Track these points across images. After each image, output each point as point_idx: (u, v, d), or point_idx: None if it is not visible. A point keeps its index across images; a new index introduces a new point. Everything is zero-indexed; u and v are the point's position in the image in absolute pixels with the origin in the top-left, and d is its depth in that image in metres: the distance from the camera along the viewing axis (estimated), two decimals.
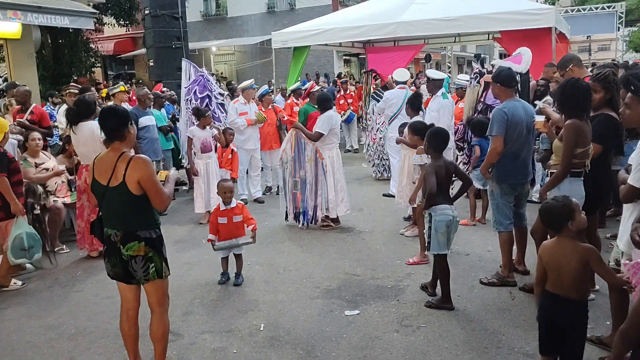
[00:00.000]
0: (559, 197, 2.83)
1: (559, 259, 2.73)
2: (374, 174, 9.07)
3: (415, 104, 6.07)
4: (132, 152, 3.08)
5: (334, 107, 6.52)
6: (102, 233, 3.10)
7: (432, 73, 7.50)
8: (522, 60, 5.40)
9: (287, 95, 10.82)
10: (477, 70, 7.06)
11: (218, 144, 7.00)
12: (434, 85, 7.09)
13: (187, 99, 7.55)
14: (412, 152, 5.87)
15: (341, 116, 10.65)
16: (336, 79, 17.10)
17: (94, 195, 3.13)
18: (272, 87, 10.63)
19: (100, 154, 3.13)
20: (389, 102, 7.54)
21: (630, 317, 2.48)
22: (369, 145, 9.24)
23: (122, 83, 8.67)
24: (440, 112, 6.77)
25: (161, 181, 3.19)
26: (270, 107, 8.20)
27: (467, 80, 7.68)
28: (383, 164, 8.85)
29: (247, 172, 7.85)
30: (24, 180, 4.96)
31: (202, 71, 7.83)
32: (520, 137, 4.21)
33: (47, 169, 5.75)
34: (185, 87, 7.67)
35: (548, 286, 2.79)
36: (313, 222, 6.38)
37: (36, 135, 5.75)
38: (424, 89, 8.67)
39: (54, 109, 9.40)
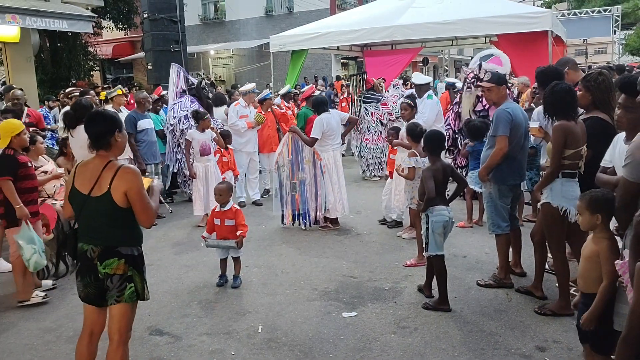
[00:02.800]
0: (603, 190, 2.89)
1: None
2: (365, 173, 9.18)
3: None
4: (121, 162, 2.90)
5: (329, 110, 6.52)
6: (75, 249, 2.84)
7: (417, 79, 7.87)
8: (502, 62, 5.46)
9: (287, 99, 10.82)
10: (472, 74, 7.09)
11: (222, 149, 7.01)
12: (420, 90, 7.59)
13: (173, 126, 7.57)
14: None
15: None
16: (334, 82, 17.15)
17: (71, 205, 2.84)
18: (271, 91, 10.66)
19: (83, 160, 2.91)
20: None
21: (628, 322, 2.36)
22: (360, 145, 9.28)
23: (119, 86, 8.67)
24: (426, 110, 7.15)
25: None
26: (269, 110, 8.25)
27: (454, 82, 8.02)
28: (376, 163, 8.99)
29: (244, 175, 7.88)
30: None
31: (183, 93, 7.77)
32: (520, 138, 4.24)
33: (45, 172, 5.75)
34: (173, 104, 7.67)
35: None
36: (315, 222, 6.42)
37: (39, 139, 5.76)
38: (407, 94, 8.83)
39: (48, 112, 9.44)
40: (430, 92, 7.59)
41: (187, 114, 7.43)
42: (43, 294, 4.63)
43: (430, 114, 7.17)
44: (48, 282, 4.81)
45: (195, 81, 8.08)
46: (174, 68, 7.85)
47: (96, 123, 2.81)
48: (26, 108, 6.86)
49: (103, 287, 2.76)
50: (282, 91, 10.17)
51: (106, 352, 2.87)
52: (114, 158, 2.83)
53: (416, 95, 6.44)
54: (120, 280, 2.76)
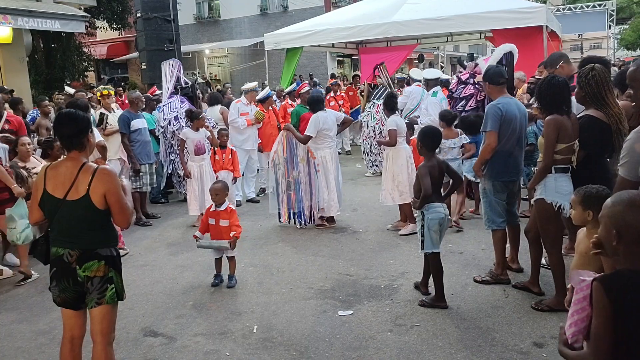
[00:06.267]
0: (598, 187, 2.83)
1: None
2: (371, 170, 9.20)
3: (389, 104, 6.18)
4: (113, 162, 2.90)
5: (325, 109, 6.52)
6: (47, 254, 2.82)
7: (426, 73, 7.99)
8: (490, 58, 5.59)
9: (282, 97, 10.81)
10: (466, 72, 7.21)
11: (216, 147, 6.96)
12: (428, 85, 7.66)
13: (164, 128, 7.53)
14: (394, 152, 5.94)
15: None
16: (330, 80, 17.08)
17: (42, 210, 2.77)
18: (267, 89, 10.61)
19: (52, 163, 2.87)
20: (411, 97, 8.21)
21: (591, 346, 1.87)
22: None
23: (104, 86, 8.46)
24: (429, 108, 7.17)
25: None
26: (270, 108, 8.26)
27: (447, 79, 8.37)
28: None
29: (242, 173, 7.86)
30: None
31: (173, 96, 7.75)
32: (513, 133, 4.21)
33: (37, 173, 5.71)
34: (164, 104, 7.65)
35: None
36: (310, 221, 6.39)
37: (26, 140, 5.69)
38: (408, 90, 8.82)
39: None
40: (437, 88, 7.56)
41: (177, 115, 7.40)
42: (37, 274, 5.07)
43: (435, 113, 7.11)
44: (36, 275, 5.04)
45: (189, 82, 8.05)
46: (170, 63, 7.79)
47: (69, 123, 2.76)
48: (5, 112, 6.45)
49: (82, 290, 2.73)
50: (289, 89, 10.14)
51: (91, 355, 2.84)
52: (86, 160, 2.79)
53: (396, 95, 6.68)
54: (101, 282, 2.73)
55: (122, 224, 2.80)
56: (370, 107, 9.06)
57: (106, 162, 5.82)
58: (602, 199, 2.70)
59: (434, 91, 7.41)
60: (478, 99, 6.89)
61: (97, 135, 5.71)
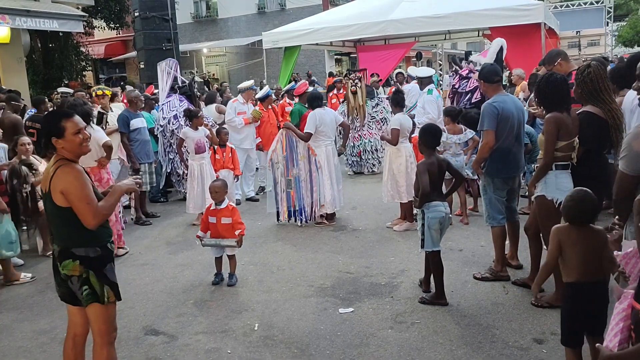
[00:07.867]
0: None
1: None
2: (368, 170, 9.22)
3: (396, 100, 6.19)
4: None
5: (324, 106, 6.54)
6: None
7: (419, 71, 8.00)
8: (487, 53, 5.62)
9: (280, 95, 10.81)
10: (465, 69, 7.23)
11: (216, 147, 6.97)
12: (422, 83, 7.65)
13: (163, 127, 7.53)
14: (394, 150, 5.95)
15: None
16: (328, 78, 17.10)
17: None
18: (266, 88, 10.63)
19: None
20: (410, 95, 8.35)
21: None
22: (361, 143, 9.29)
23: (100, 86, 8.43)
24: (426, 107, 7.22)
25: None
26: (270, 107, 8.27)
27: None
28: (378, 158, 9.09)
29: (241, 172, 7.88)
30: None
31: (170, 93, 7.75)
32: (511, 131, 4.22)
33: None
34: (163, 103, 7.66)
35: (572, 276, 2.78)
36: (311, 218, 6.40)
37: (25, 139, 5.69)
38: (407, 88, 8.84)
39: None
40: (431, 86, 7.57)
41: (176, 114, 7.40)
42: (30, 275, 5.05)
43: (432, 111, 7.18)
44: (28, 275, 5.06)
45: (186, 81, 8.07)
46: (166, 63, 7.79)
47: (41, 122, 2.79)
48: None
49: (68, 287, 2.74)
50: (287, 87, 10.16)
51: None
52: (67, 157, 2.70)
53: (402, 90, 6.62)
54: (79, 282, 2.69)
55: (85, 224, 2.64)
56: (376, 106, 9.06)
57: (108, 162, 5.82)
58: (577, 212, 2.73)
59: (428, 89, 7.46)
60: (482, 90, 6.92)
61: (103, 135, 5.71)
